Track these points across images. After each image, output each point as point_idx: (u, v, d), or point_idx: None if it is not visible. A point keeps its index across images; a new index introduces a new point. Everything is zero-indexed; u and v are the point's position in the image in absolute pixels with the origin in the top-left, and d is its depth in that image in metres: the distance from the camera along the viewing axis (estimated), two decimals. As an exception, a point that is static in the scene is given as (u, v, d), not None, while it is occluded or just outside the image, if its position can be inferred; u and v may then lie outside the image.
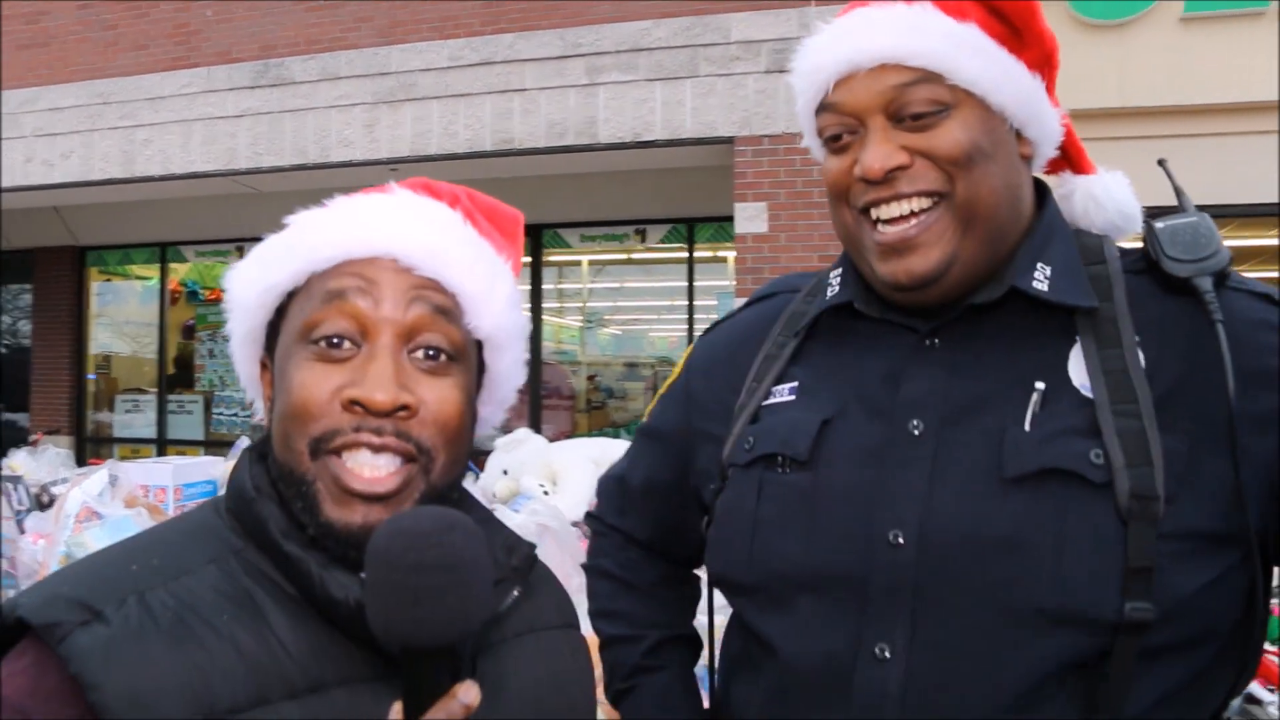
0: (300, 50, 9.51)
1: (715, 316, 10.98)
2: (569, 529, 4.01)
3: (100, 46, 10.46)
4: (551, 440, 5.33)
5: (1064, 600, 1.05)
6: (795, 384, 1.30)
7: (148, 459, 8.29)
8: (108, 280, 13.23)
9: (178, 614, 0.92)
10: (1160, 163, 1.33)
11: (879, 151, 1.16)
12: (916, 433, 1.17)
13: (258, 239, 1.12)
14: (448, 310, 1.04)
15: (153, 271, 12.82)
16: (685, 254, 10.81)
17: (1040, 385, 1.15)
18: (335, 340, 1.00)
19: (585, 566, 1.60)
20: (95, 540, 4.28)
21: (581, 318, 11.81)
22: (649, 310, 12.15)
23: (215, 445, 11.59)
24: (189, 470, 5.85)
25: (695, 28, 8.35)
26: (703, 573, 1.43)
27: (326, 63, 9.36)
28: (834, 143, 1.23)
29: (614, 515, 1.59)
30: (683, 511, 1.46)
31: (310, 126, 9.41)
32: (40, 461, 7.15)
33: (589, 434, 10.54)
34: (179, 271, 12.66)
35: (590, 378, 11.64)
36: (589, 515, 1.64)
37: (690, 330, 10.74)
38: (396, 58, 9.15)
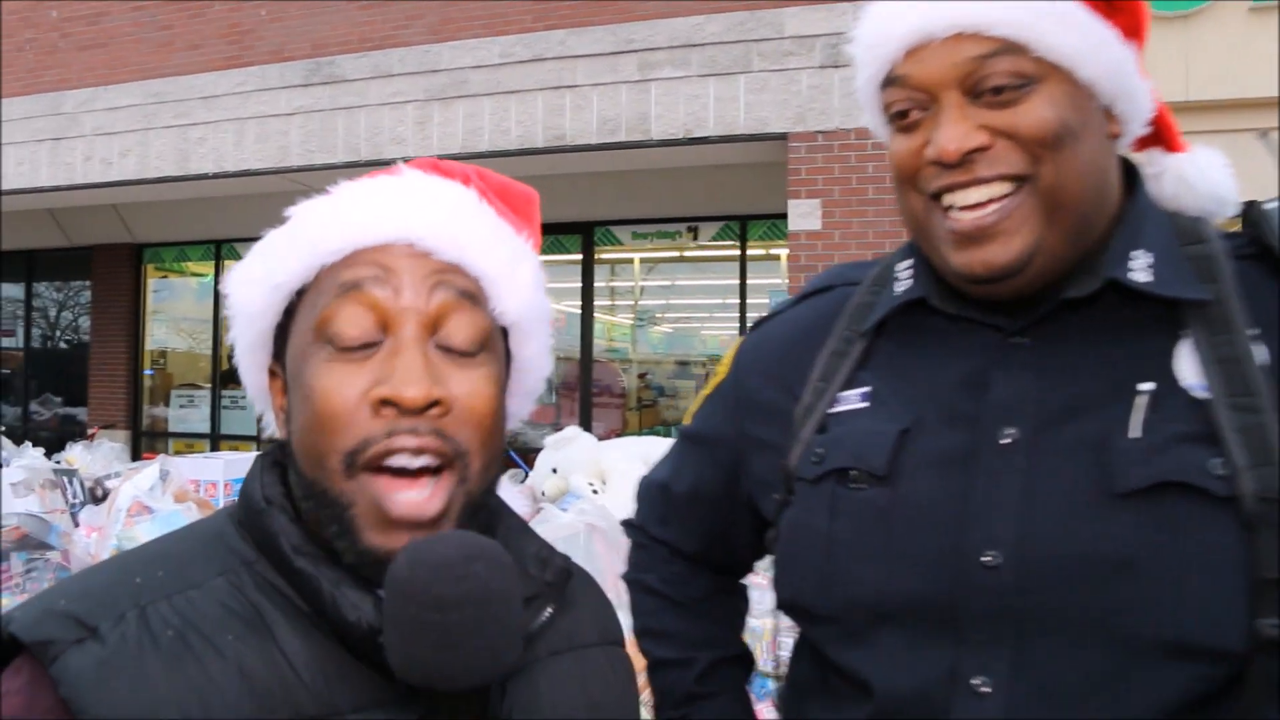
0: (352, 48, 9.54)
1: (767, 315, 11.01)
2: (618, 528, 3.95)
3: (156, 47, 10.59)
4: (602, 438, 5.28)
5: (1185, 630, 0.95)
6: (867, 389, 1.18)
7: (199, 454, 8.37)
8: (164, 277, 13.38)
9: (180, 632, 0.85)
10: (1262, 134, 1.21)
11: (955, 131, 1.03)
12: (1007, 442, 1.06)
13: None
14: (472, 295, 0.95)
15: (208, 268, 12.94)
16: (738, 251, 10.71)
17: (1146, 386, 1.03)
18: (355, 337, 0.92)
19: (627, 580, 1.49)
20: (145, 534, 4.29)
21: (633, 315, 11.76)
22: (701, 308, 12.09)
23: (269, 442, 11.62)
24: (239, 466, 5.88)
25: (749, 22, 8.26)
26: (754, 579, 1.33)
27: (378, 60, 9.38)
28: (901, 120, 1.10)
29: (657, 525, 1.46)
30: (732, 521, 1.35)
31: (362, 124, 9.44)
32: (95, 455, 7.23)
33: (640, 432, 10.48)
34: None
35: (641, 375, 11.59)
36: (629, 525, 1.52)
37: (743, 328, 10.64)
38: (448, 55, 9.14)
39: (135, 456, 9.73)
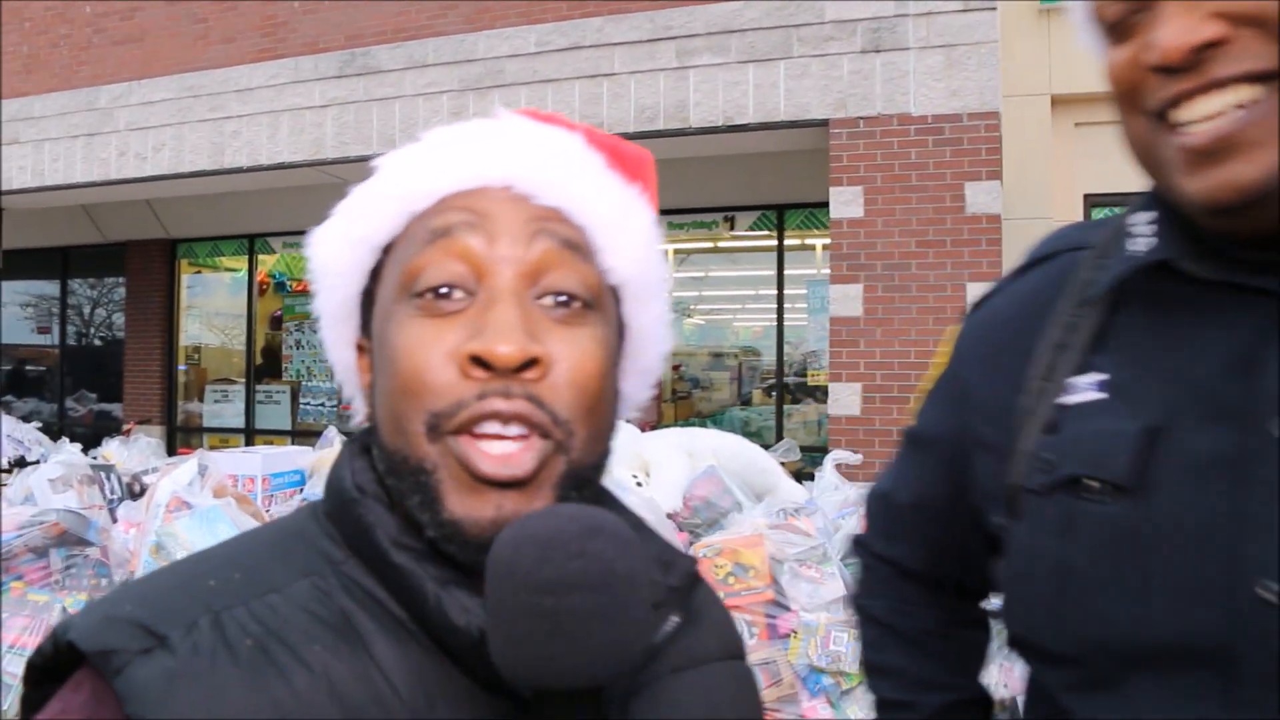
0: (386, 39, 9.47)
1: (803, 306, 11.00)
2: (664, 520, 3.86)
3: (190, 40, 10.57)
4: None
5: None
6: (1102, 377, 0.97)
7: (236, 449, 8.34)
8: (198, 272, 13.40)
9: (260, 641, 0.74)
10: None
11: (1179, 25, 0.82)
12: None
13: None
14: (578, 245, 0.84)
15: (241, 263, 12.94)
16: (774, 241, 10.57)
17: None
18: (444, 290, 0.80)
19: (854, 604, 1.31)
20: (185, 530, 4.24)
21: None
22: (734, 300, 11.97)
23: (302, 435, 11.64)
24: (277, 460, 5.83)
25: (788, 8, 8.12)
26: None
27: (413, 51, 9.30)
28: (1116, 30, 0.90)
29: (881, 541, 1.28)
30: (963, 534, 1.14)
31: (397, 115, 9.36)
32: (132, 451, 7.21)
33: (675, 424, 10.38)
34: (266, 263, 12.76)
35: (675, 367, 11.49)
36: (856, 542, 1.34)
37: (780, 319, 10.51)
38: (484, 44, 9.05)
39: (171, 452, 9.73)
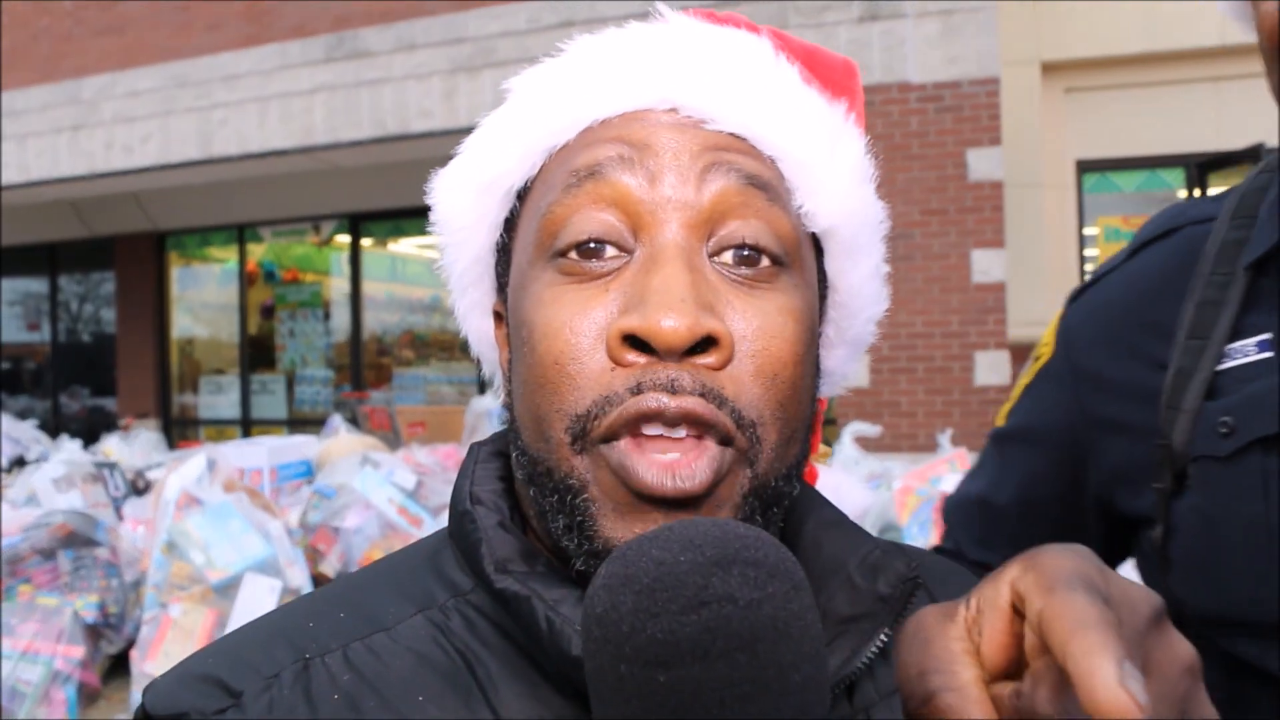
0: (375, 20, 9.33)
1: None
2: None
3: (174, 29, 10.42)
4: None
5: None
6: (1264, 337, 0.93)
7: (242, 440, 8.26)
8: (187, 264, 13.26)
9: (350, 694, 0.61)
10: None
11: None
12: None
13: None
14: (766, 183, 0.65)
15: (231, 254, 12.81)
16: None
17: None
18: (591, 246, 0.63)
19: None
20: (197, 527, 4.16)
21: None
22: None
23: (299, 424, 11.55)
24: (283, 451, 5.75)
25: (782, -23, 8.01)
26: None
27: (401, 32, 9.17)
28: None
29: (976, 548, 1.20)
30: (1076, 530, 1.08)
31: (388, 98, 9.24)
32: (133, 446, 7.14)
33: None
34: (256, 253, 12.64)
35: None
36: (936, 549, 1.26)
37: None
38: (474, 23, 8.92)
39: (170, 445, 9.64)
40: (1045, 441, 1.13)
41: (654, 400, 0.59)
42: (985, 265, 7.43)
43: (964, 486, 1.25)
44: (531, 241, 0.66)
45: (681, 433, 0.60)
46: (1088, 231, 8.52)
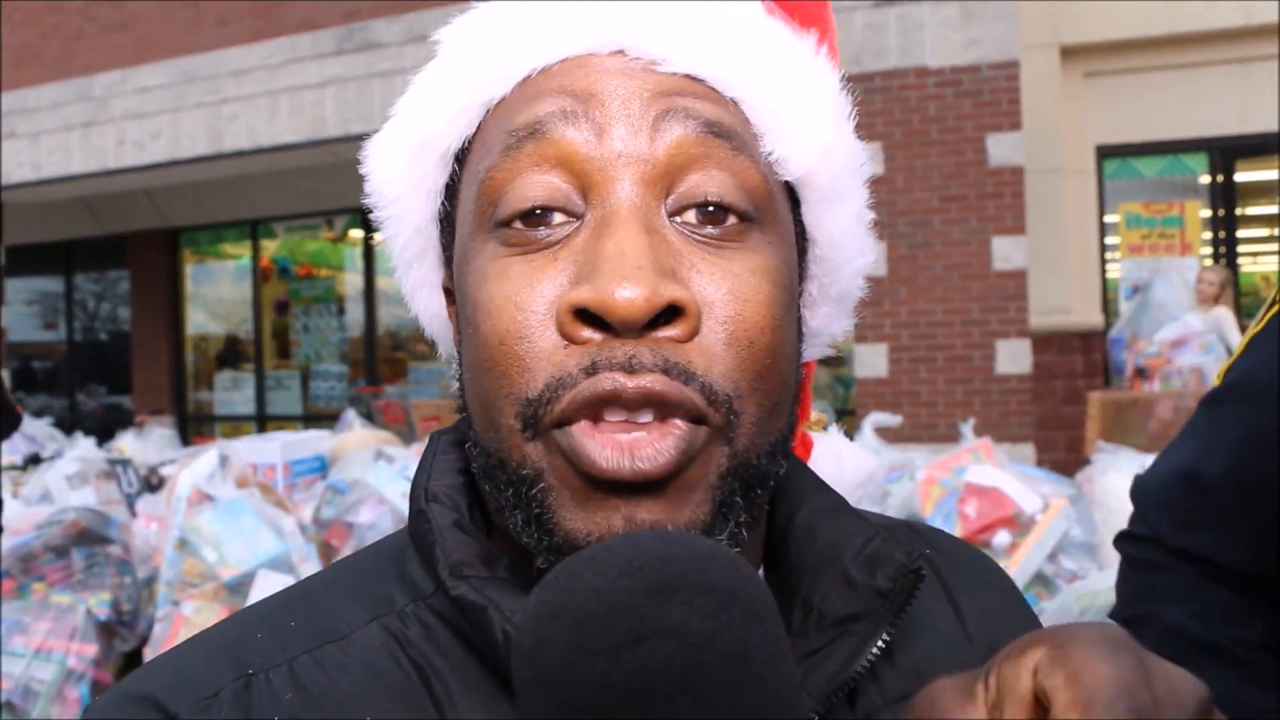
0: (385, 12, 9.27)
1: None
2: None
3: (184, 24, 10.40)
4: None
5: None
6: None
7: (255, 435, 8.22)
8: (201, 261, 13.25)
9: (292, 712, 0.55)
10: None
11: None
12: None
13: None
14: (729, 131, 0.58)
15: (244, 250, 12.79)
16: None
17: None
18: (536, 213, 0.56)
19: (1132, 616, 1.06)
20: (208, 524, 4.11)
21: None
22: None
23: (314, 419, 11.52)
24: (297, 446, 5.69)
25: (796, -38, 7.92)
26: None
27: (412, 23, 9.10)
28: None
29: (1177, 532, 1.03)
30: None
31: (399, 90, 9.09)
32: (147, 443, 7.11)
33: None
34: (269, 248, 12.61)
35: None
36: (1127, 538, 1.10)
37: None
38: (484, 13, 8.87)
39: (185, 442, 9.62)
40: (1274, 397, 0.96)
41: (610, 381, 0.53)
42: (1006, 252, 7.33)
43: (1163, 460, 1.09)
44: (471, 211, 0.60)
45: (647, 417, 0.53)
46: (1109, 218, 8.40)
